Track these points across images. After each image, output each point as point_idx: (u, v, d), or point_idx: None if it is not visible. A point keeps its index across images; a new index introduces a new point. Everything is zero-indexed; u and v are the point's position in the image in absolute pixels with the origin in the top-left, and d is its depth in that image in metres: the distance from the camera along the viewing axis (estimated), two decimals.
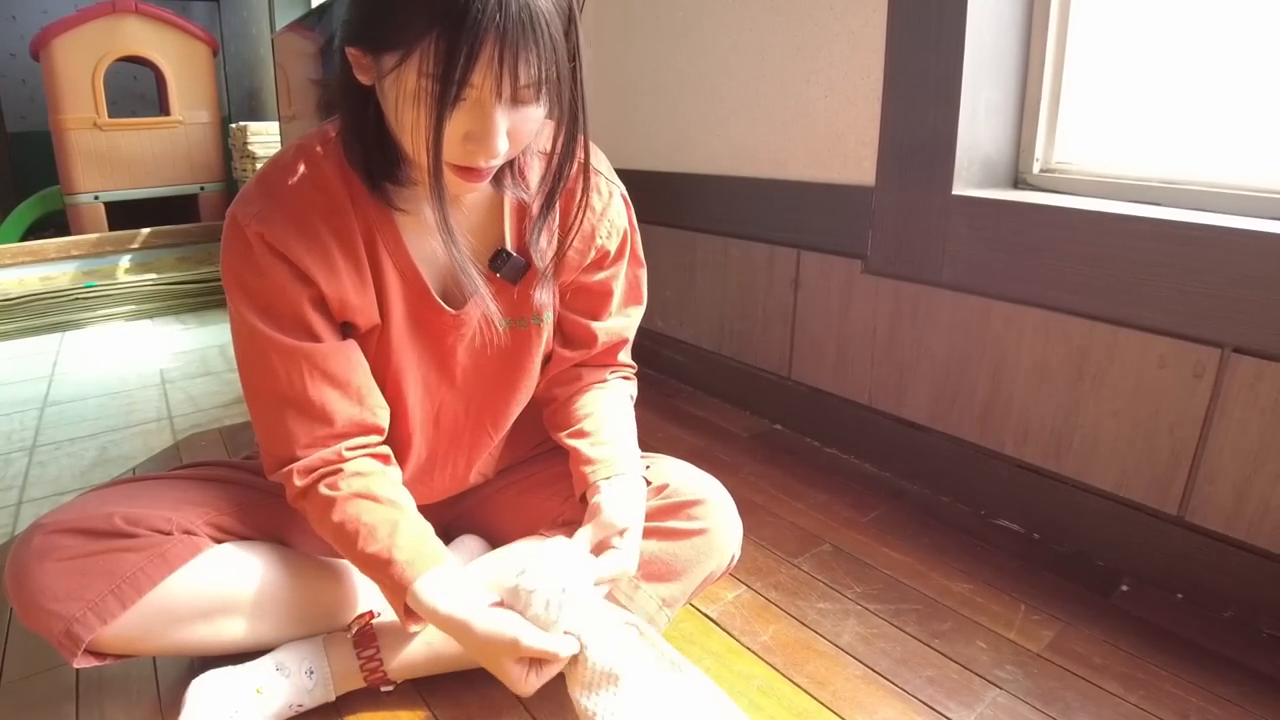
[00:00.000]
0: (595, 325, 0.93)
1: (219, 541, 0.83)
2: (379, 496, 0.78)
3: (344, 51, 0.69)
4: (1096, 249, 1.06)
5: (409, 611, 0.75)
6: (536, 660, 0.71)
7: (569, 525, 0.89)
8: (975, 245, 1.21)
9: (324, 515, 0.77)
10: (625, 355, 0.99)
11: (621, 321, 0.96)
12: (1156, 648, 0.95)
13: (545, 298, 0.86)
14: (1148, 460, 1.06)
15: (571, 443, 0.88)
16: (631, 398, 0.99)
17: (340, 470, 0.78)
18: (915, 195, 1.27)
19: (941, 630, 0.98)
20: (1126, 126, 1.19)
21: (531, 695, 0.73)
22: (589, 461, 0.85)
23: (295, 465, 0.78)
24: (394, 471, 0.83)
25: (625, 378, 0.99)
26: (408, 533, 0.76)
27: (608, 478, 0.83)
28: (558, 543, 0.75)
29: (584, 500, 0.84)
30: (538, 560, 0.72)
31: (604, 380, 0.96)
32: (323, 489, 0.77)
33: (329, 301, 0.79)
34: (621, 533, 0.78)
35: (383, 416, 0.83)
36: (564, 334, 0.94)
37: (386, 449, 0.84)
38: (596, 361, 0.97)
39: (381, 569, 0.74)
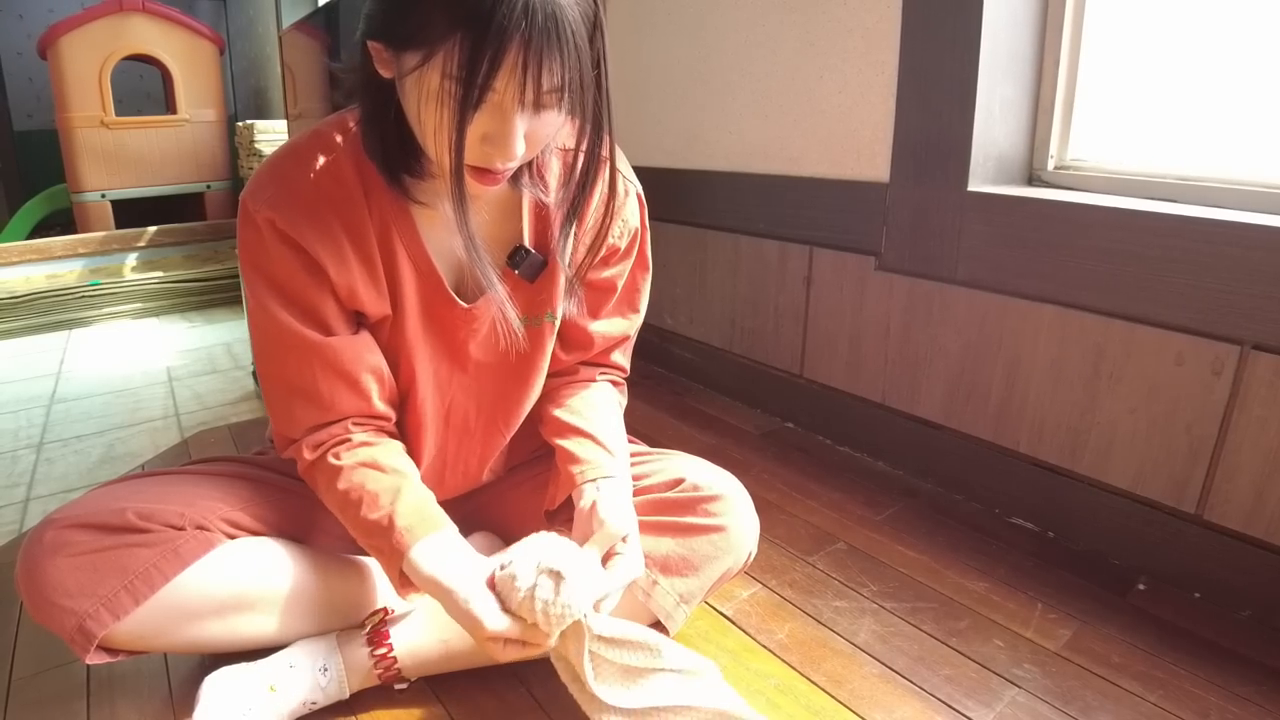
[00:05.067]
0: (592, 327, 0.93)
1: (232, 537, 0.82)
2: (383, 465, 0.79)
3: (365, 44, 0.68)
4: (1112, 245, 1.05)
5: (404, 580, 0.75)
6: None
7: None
8: (990, 242, 1.20)
9: (330, 484, 0.79)
10: (621, 357, 0.98)
11: (620, 324, 0.95)
12: (1174, 647, 0.94)
13: (572, 307, 0.87)
14: (1165, 458, 1.05)
15: (560, 442, 0.88)
16: (620, 404, 0.98)
17: (348, 440, 0.80)
18: (929, 191, 1.27)
19: (958, 629, 0.97)
20: (1141, 122, 1.18)
21: (505, 663, 0.73)
22: (577, 461, 0.85)
23: (305, 440, 0.80)
24: (399, 444, 0.84)
25: (614, 382, 0.99)
26: (409, 499, 0.77)
27: (595, 480, 0.82)
28: (546, 536, 0.74)
29: (570, 501, 0.84)
30: (523, 550, 0.72)
31: (593, 380, 0.96)
32: (329, 459, 0.79)
33: (338, 290, 0.79)
34: (625, 539, 0.77)
35: (389, 411, 0.84)
36: (560, 336, 0.93)
37: (393, 429, 0.85)
38: (590, 360, 0.96)
39: (381, 535, 0.75)
